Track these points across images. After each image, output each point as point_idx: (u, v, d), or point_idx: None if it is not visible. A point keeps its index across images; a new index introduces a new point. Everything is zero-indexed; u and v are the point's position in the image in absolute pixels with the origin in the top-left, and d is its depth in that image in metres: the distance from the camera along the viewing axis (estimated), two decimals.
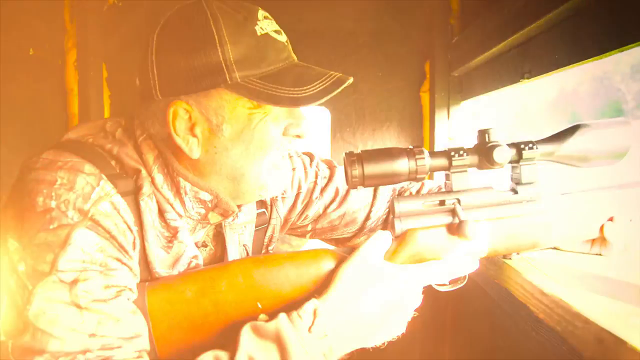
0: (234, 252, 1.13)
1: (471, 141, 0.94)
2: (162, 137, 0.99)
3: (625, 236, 1.01)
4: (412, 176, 0.89)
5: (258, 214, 1.23)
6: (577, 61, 1.24)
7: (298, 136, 1.00)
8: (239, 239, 1.15)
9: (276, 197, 1.28)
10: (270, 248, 1.29)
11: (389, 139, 2.41)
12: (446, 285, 0.99)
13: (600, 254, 1.08)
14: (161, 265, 1.00)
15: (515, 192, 0.94)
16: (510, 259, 1.01)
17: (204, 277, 0.97)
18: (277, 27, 0.98)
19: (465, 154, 0.90)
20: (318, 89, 0.91)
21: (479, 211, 0.93)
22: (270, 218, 1.27)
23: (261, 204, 1.26)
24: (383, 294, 0.89)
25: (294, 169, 1.32)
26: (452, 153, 0.90)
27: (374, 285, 0.88)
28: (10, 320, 0.82)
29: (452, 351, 2.31)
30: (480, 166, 0.92)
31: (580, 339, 0.76)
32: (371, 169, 0.88)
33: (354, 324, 0.86)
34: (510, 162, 0.92)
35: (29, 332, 0.80)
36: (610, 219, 1.01)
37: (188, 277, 0.98)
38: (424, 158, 0.88)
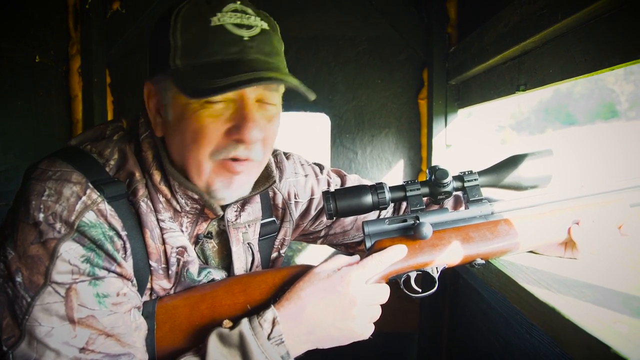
0: (237, 249, 1.16)
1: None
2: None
3: (591, 239, 1.07)
4: (376, 207, 1.09)
5: (268, 223, 1.26)
6: (571, 77, 1.30)
7: (238, 140, 0.95)
8: (243, 237, 1.18)
9: (289, 201, 1.31)
10: (282, 251, 1.33)
11: (387, 145, 2.44)
12: (419, 292, 1.08)
13: (575, 258, 1.14)
14: (155, 259, 1.02)
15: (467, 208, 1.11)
16: (475, 266, 1.08)
17: (205, 287, 1.06)
18: (244, 21, 0.94)
19: (417, 187, 1.10)
20: (227, 83, 0.87)
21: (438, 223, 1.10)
22: (282, 222, 1.31)
23: (272, 210, 1.29)
24: (333, 303, 0.96)
25: (306, 176, 1.36)
26: (406, 187, 1.11)
27: (325, 296, 0.96)
28: (9, 329, 0.86)
29: (449, 350, 2.36)
30: (430, 194, 1.11)
31: (570, 344, 0.82)
32: (342, 204, 1.08)
33: (308, 330, 0.95)
34: (456, 189, 1.11)
35: (25, 341, 0.85)
36: (577, 223, 1.08)
37: (192, 288, 1.06)
38: (384, 192, 1.09)
